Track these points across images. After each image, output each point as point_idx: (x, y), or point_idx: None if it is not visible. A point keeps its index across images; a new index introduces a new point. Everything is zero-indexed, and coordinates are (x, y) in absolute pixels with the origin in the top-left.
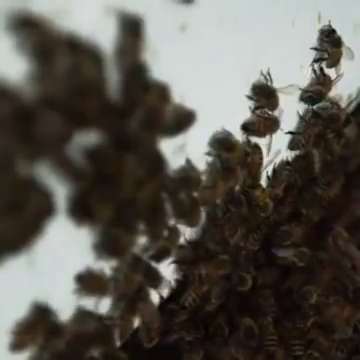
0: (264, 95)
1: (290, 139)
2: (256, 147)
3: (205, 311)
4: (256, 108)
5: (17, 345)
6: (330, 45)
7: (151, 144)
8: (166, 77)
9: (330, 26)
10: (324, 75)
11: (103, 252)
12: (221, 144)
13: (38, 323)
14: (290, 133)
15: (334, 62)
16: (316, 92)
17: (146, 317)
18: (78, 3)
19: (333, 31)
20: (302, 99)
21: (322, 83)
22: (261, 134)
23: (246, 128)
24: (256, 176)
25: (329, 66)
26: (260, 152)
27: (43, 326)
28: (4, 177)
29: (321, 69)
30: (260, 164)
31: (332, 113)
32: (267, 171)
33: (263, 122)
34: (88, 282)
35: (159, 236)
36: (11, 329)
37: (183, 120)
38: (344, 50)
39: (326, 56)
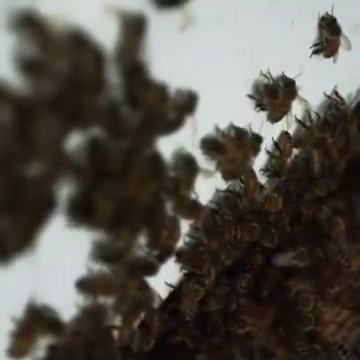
0: (268, 94)
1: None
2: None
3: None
4: (258, 106)
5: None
6: (329, 33)
7: (151, 143)
8: (166, 76)
9: (332, 15)
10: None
11: (103, 252)
12: (211, 145)
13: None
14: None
15: (331, 51)
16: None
17: (146, 316)
18: (79, 2)
19: (334, 20)
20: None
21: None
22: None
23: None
24: (253, 200)
25: (326, 56)
26: (255, 175)
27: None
28: (5, 176)
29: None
30: (255, 187)
31: (345, 107)
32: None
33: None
34: (92, 285)
35: (160, 237)
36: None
37: (184, 106)
38: (342, 40)
39: (324, 45)
